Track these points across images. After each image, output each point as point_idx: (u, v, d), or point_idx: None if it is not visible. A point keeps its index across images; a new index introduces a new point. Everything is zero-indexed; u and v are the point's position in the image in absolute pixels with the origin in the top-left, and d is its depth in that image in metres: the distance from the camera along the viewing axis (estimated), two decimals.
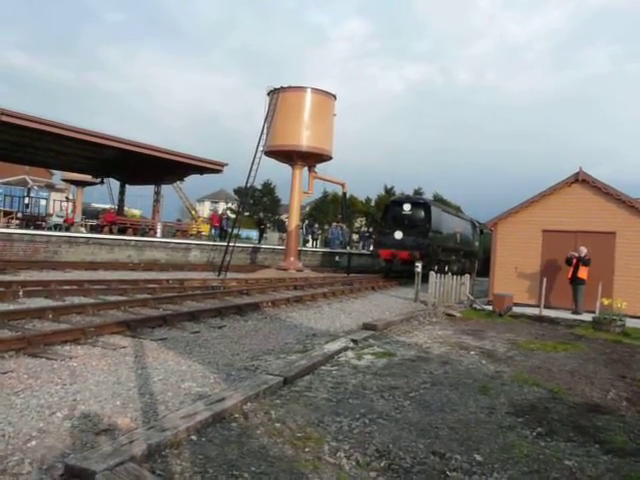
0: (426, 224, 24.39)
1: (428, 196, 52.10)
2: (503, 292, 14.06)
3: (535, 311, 13.50)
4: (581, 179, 14.58)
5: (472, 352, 8.33)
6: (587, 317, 12.57)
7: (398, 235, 24.32)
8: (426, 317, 12.21)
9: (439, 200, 50.38)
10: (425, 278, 17.54)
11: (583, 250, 13.76)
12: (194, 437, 3.99)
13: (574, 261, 13.79)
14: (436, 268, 24.46)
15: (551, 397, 5.92)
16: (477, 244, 32.85)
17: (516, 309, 13.76)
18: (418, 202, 25.82)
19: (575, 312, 13.57)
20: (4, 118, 18.54)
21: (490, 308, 13.68)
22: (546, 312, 13.38)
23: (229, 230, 31.37)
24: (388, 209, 26.75)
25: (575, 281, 13.82)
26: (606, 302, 12.41)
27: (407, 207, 25.00)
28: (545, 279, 14.05)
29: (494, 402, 5.58)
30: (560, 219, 14.70)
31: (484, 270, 26.79)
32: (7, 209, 29.17)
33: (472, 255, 31.39)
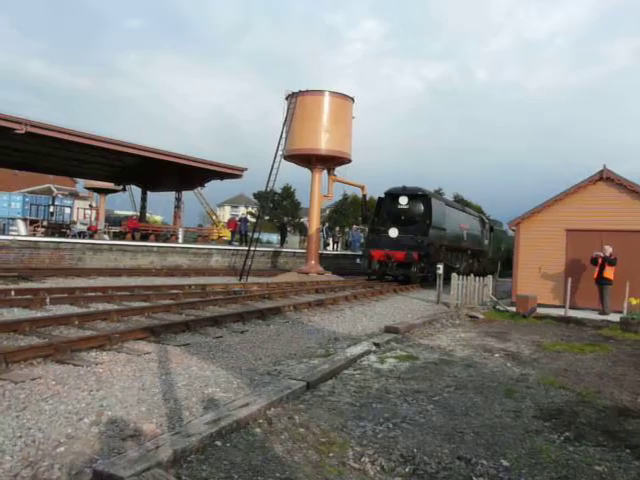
0: (426, 220, 21.49)
1: (449, 196, 51.20)
2: (527, 293, 13.87)
3: (560, 312, 13.29)
4: (605, 177, 14.32)
5: (496, 355, 8.23)
6: (614, 318, 12.32)
7: (393, 233, 21.37)
8: (448, 319, 12.11)
9: (460, 201, 49.63)
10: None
11: (608, 249, 13.50)
12: (219, 443, 4.01)
13: (599, 261, 13.54)
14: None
15: (579, 400, 5.81)
16: (487, 242, 29.92)
17: (540, 310, 13.56)
18: (417, 194, 22.24)
19: (602, 313, 13.31)
20: (30, 129, 18.97)
21: (514, 309, 13.50)
22: (572, 313, 13.16)
23: (248, 234, 31.50)
24: (382, 203, 23.37)
25: (601, 281, 13.56)
26: (634, 302, 12.17)
27: (404, 200, 21.89)
28: (570, 279, 13.83)
29: (520, 406, 5.50)
30: (584, 218, 14.44)
31: (495, 270, 25.14)
32: (33, 217, 29.73)
33: (481, 255, 28.68)
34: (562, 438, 4.60)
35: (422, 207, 21.92)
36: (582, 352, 8.77)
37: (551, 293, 14.79)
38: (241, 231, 31.55)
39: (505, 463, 3.98)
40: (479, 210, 49.83)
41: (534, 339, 9.92)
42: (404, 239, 21.04)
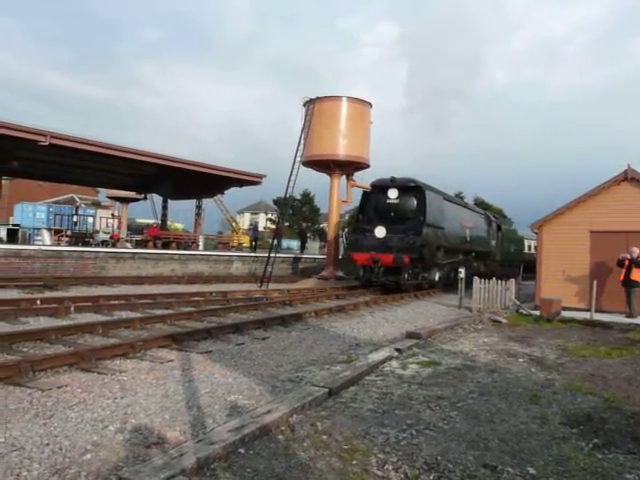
0: (419, 216, 18.52)
1: (469, 200, 50.10)
2: (551, 296, 13.66)
3: (586, 315, 13.05)
4: (630, 177, 14.07)
5: (520, 359, 8.12)
6: None
7: (380, 232, 18.54)
8: (471, 324, 11.98)
9: (480, 204, 48.67)
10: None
11: (636, 251, 13.23)
12: (242, 450, 4.02)
13: (626, 262, 13.28)
14: (437, 276, 20.46)
15: (607, 406, 5.69)
16: (494, 243, 27.12)
17: (565, 313, 13.34)
18: (408, 186, 19.03)
19: (629, 315, 13.05)
20: (53, 141, 19.34)
21: (537, 313, 13.30)
22: (597, 316, 12.92)
23: (258, 239, 32.19)
24: (367, 197, 20.36)
25: (628, 283, 13.29)
26: None
27: (393, 193, 18.83)
28: (595, 282, 13.58)
29: (546, 412, 5.40)
30: (609, 219, 14.20)
31: (505, 274, 21.87)
32: (57, 227, 30.32)
33: (487, 257, 25.94)
34: (590, 445, 4.51)
35: (415, 201, 18.86)
36: (609, 356, 8.59)
37: (576, 296, 14.55)
38: (254, 237, 32.32)
39: (532, 471, 3.91)
40: (499, 213, 48.74)
41: (559, 343, 9.75)
42: (393, 239, 18.23)
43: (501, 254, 28.17)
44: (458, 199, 24.77)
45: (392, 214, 18.85)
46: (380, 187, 19.63)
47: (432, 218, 18.91)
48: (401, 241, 17.97)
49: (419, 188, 19.04)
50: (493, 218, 28.01)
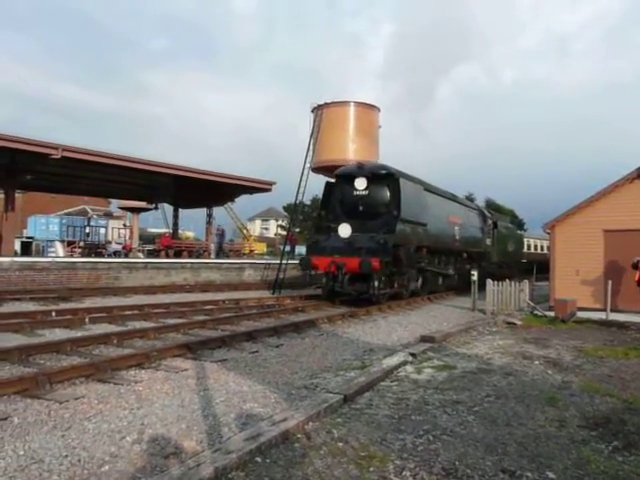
0: (393, 210, 15.35)
1: (480, 202, 49.32)
2: (565, 297, 13.54)
3: (601, 315, 12.93)
4: None
5: (536, 362, 8.05)
6: None
7: (345, 231, 15.38)
8: (485, 326, 11.91)
9: (491, 205, 48.18)
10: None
11: None
12: (259, 459, 4.02)
13: None
14: (419, 282, 17.77)
15: (626, 408, 5.62)
16: (489, 242, 24.35)
17: (580, 314, 13.23)
18: (379, 174, 15.82)
19: None
20: (65, 154, 19.55)
21: (552, 314, 13.20)
22: (613, 316, 12.79)
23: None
24: (332, 189, 17.00)
25: None
26: None
27: (361, 183, 15.66)
28: (610, 281, 13.44)
29: (564, 414, 5.35)
30: (622, 218, 14.07)
31: (501, 275, 20.45)
32: (70, 239, 30.63)
33: (481, 258, 23.14)
34: (610, 448, 4.46)
35: (387, 192, 15.67)
36: (626, 357, 8.50)
37: (591, 296, 14.41)
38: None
39: (551, 475, 3.88)
40: (511, 215, 48.20)
41: (575, 344, 9.66)
42: (360, 239, 15.06)
43: (497, 254, 25.59)
44: (444, 190, 20.74)
45: (360, 208, 15.75)
46: (346, 176, 16.39)
47: (409, 212, 15.83)
48: (370, 241, 14.82)
49: (392, 176, 15.79)
50: (488, 214, 25.65)
